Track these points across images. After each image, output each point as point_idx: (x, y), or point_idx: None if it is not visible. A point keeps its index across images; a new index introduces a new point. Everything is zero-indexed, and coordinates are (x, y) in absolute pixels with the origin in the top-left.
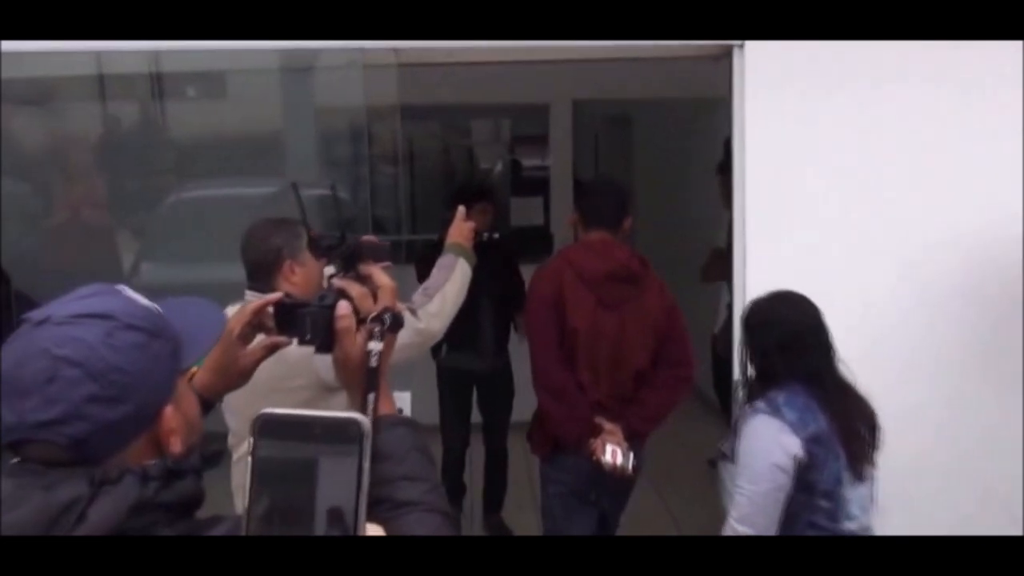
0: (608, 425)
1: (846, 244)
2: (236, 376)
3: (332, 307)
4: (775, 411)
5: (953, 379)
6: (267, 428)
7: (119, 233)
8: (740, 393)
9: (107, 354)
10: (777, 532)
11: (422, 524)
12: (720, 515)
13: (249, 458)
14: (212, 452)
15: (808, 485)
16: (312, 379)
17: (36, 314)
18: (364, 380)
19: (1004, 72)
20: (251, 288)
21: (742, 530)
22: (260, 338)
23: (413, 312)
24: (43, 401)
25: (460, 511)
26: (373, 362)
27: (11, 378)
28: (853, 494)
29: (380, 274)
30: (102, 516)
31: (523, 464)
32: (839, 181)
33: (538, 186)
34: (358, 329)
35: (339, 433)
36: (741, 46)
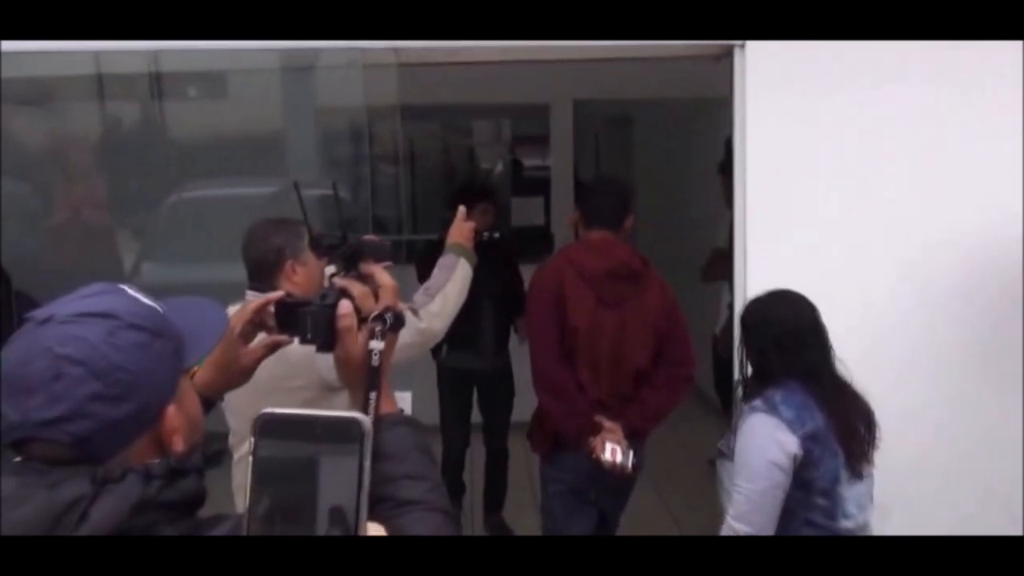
0: (608, 423)
1: (846, 244)
2: (237, 374)
3: (334, 306)
4: (772, 409)
5: (953, 379)
6: (268, 428)
7: (120, 233)
8: (740, 392)
9: (110, 353)
10: (775, 530)
11: (423, 523)
12: (719, 515)
13: (250, 458)
14: (214, 451)
15: (805, 483)
16: (313, 379)
17: (39, 313)
18: (365, 379)
19: (1004, 72)
20: (252, 288)
21: (740, 528)
22: (261, 337)
23: (414, 312)
24: (48, 399)
25: (460, 510)
26: (374, 361)
27: (15, 376)
28: (850, 492)
29: (381, 273)
30: (105, 515)
31: (523, 464)
32: (840, 181)
33: (539, 186)
34: (359, 328)
35: (340, 432)
36: (742, 46)
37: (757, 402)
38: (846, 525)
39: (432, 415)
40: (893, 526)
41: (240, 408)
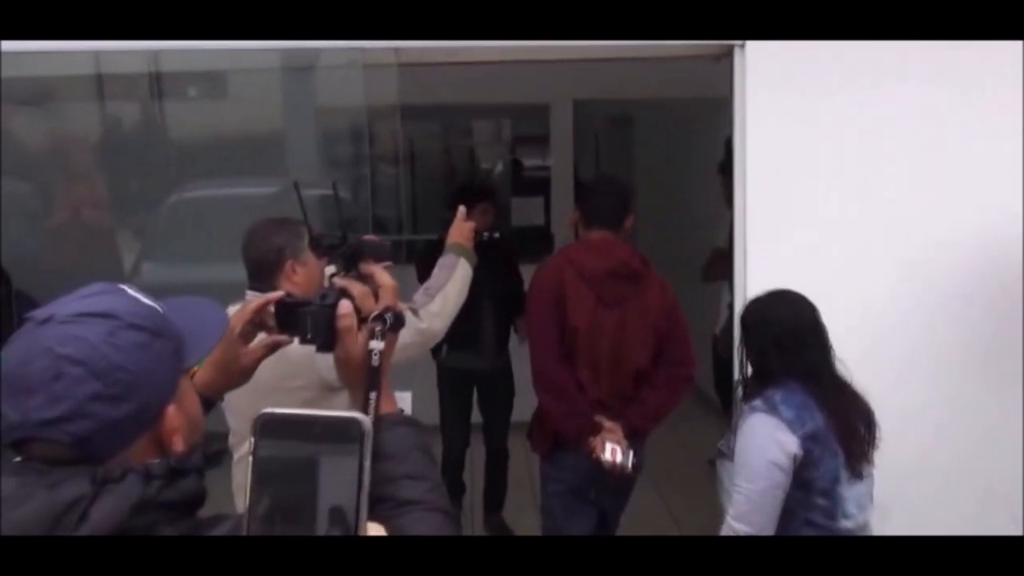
0: (608, 423)
1: (846, 244)
2: (237, 374)
3: (334, 306)
4: (772, 409)
5: (953, 379)
6: (268, 428)
7: (120, 233)
8: (740, 392)
9: (110, 353)
10: (775, 530)
11: (424, 523)
12: (720, 515)
13: (250, 458)
14: (214, 451)
15: (805, 483)
16: (314, 379)
17: (39, 313)
18: (365, 379)
19: (1004, 72)
20: (252, 288)
21: (740, 528)
22: (261, 337)
23: (415, 312)
24: (48, 399)
25: (460, 510)
26: (375, 361)
27: (15, 376)
28: (850, 492)
29: (382, 273)
30: (105, 515)
31: (524, 464)
32: (840, 181)
33: (539, 186)
34: (359, 328)
35: (340, 432)
36: (742, 46)
37: (757, 402)
38: (846, 525)
39: (432, 415)
40: (893, 526)
41: (240, 408)
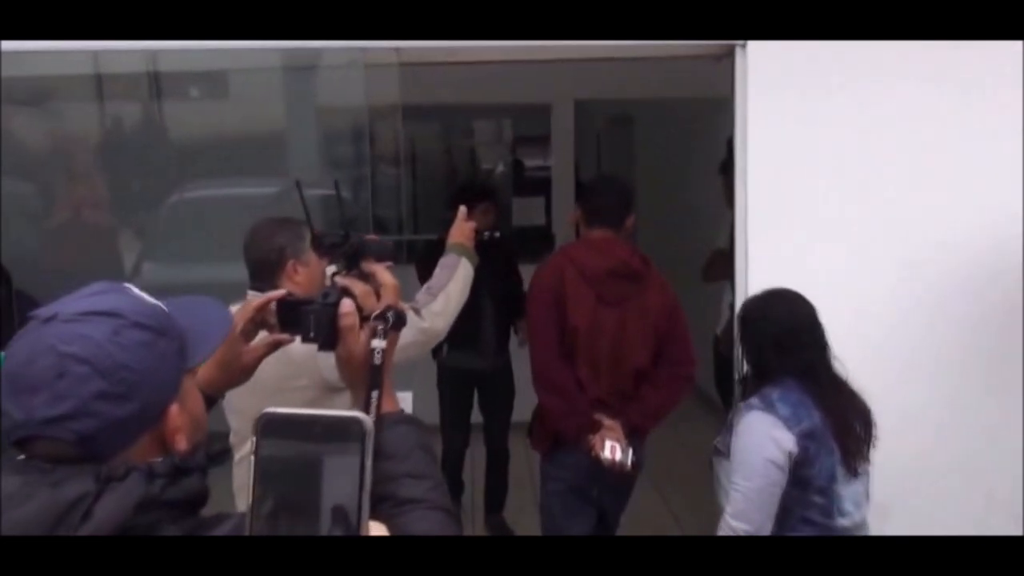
0: (608, 421)
1: (847, 244)
2: (239, 372)
3: (336, 305)
4: (769, 407)
5: (953, 379)
6: (270, 427)
7: (121, 233)
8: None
9: (114, 352)
10: (773, 527)
11: (425, 521)
12: (719, 513)
13: (252, 457)
14: (217, 450)
15: (802, 481)
16: (316, 379)
17: (44, 311)
18: (367, 378)
19: (1004, 72)
20: (253, 288)
21: (738, 526)
22: (263, 335)
23: (417, 311)
24: (52, 397)
25: (459, 509)
26: (376, 360)
27: (19, 375)
28: (847, 490)
29: (383, 272)
30: (108, 513)
31: (524, 464)
32: (840, 181)
33: (540, 186)
34: (361, 327)
35: (341, 432)
36: (743, 46)
37: (754, 400)
38: (843, 523)
39: (432, 415)
40: (893, 526)
41: (242, 408)
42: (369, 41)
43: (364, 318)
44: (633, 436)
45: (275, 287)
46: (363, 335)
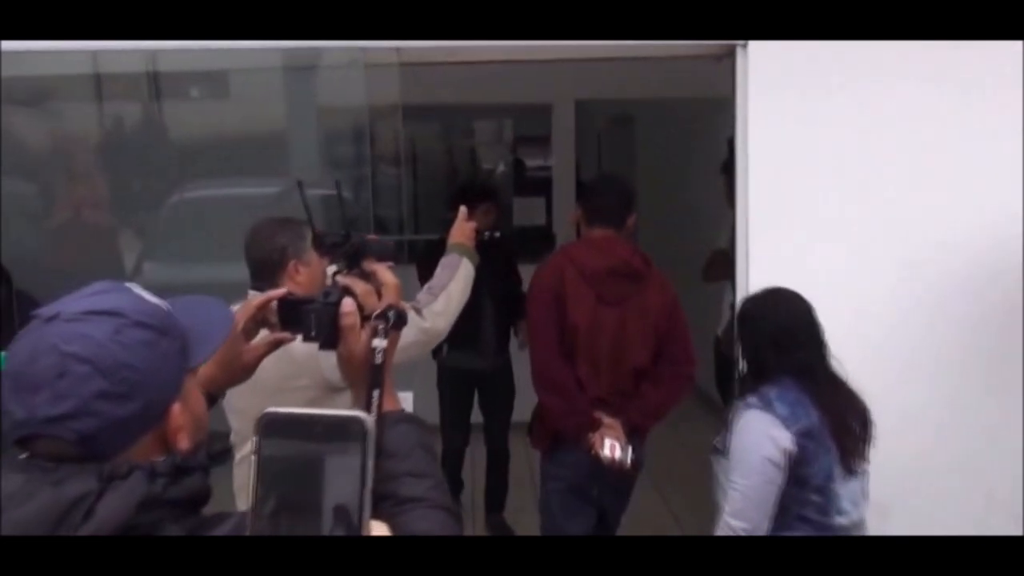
0: (608, 420)
1: (848, 244)
2: (239, 370)
3: (337, 304)
4: (767, 405)
5: (953, 379)
6: (271, 427)
7: (122, 233)
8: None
9: (116, 351)
10: (770, 526)
11: (426, 520)
12: (717, 512)
13: (254, 457)
14: (219, 449)
15: (800, 479)
16: (317, 379)
17: (46, 310)
18: (368, 377)
19: (1004, 72)
20: (255, 288)
21: (736, 524)
22: (264, 334)
23: (418, 311)
24: (53, 396)
25: (459, 507)
26: (377, 359)
27: (21, 374)
28: (844, 489)
29: (384, 271)
30: (110, 512)
31: (524, 464)
32: (841, 181)
33: (541, 186)
34: (362, 326)
35: (342, 431)
36: (744, 46)
37: (752, 399)
38: (840, 522)
39: (432, 415)
40: (893, 526)
41: (243, 408)
42: (369, 41)
43: (365, 317)
44: (633, 435)
45: (276, 287)
46: (364, 334)
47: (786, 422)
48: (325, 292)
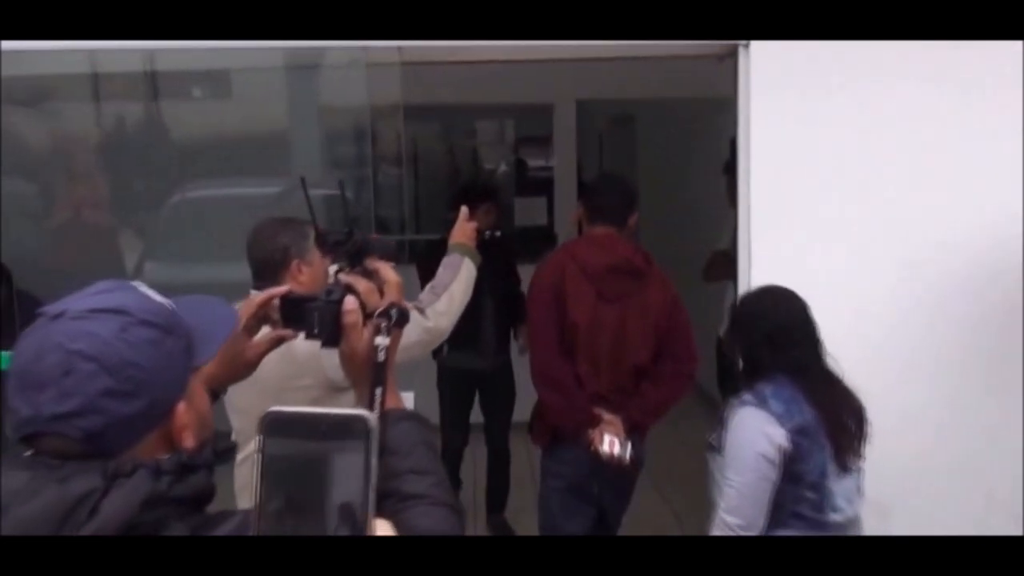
0: (607, 416)
1: (848, 243)
2: (242, 367)
3: (339, 302)
4: (761, 402)
5: (953, 379)
6: (275, 426)
7: (123, 233)
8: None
9: (122, 349)
10: (766, 522)
11: (428, 517)
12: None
13: (258, 456)
14: (224, 448)
15: (794, 476)
16: (319, 379)
17: (52, 308)
18: (371, 375)
19: (1004, 72)
20: (256, 288)
21: (731, 520)
22: (266, 331)
23: (421, 311)
24: (59, 394)
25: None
26: (380, 357)
27: (27, 371)
28: (838, 486)
29: (386, 269)
30: (115, 509)
31: (525, 464)
32: (843, 181)
33: (542, 186)
34: (365, 324)
35: (346, 430)
36: (746, 46)
37: (747, 396)
38: (835, 519)
39: (433, 415)
40: (893, 526)
41: (245, 408)
42: (371, 41)
43: (367, 315)
44: (633, 433)
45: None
46: (366, 332)
47: (780, 419)
48: (327, 290)
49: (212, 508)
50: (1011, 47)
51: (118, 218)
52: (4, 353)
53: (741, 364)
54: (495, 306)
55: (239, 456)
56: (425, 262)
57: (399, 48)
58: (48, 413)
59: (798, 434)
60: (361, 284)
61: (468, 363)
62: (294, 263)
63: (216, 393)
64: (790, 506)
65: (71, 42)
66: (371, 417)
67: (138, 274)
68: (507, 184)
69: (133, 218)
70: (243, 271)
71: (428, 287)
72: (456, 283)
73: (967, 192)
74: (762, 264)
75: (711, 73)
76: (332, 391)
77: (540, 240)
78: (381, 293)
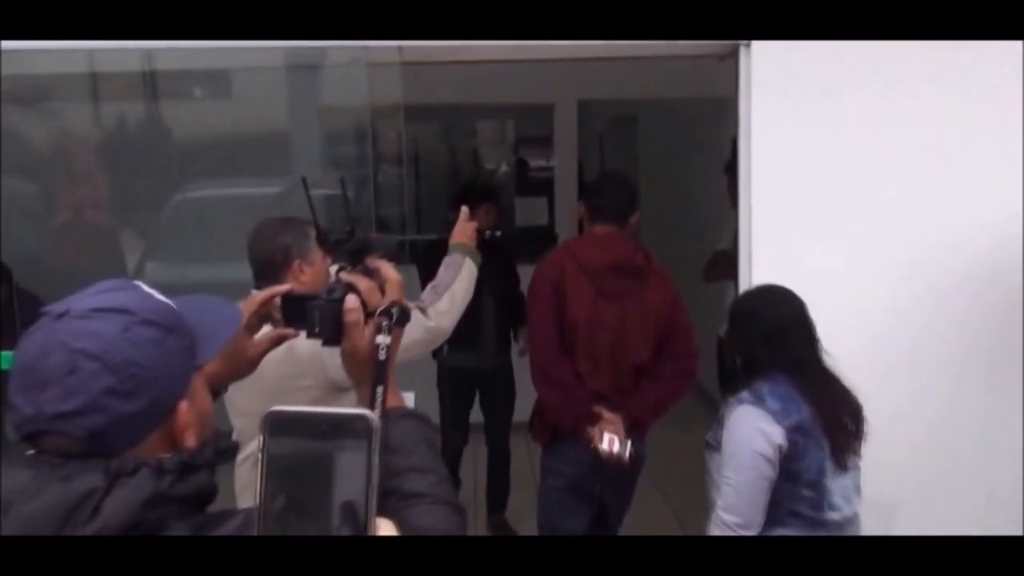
0: (607, 414)
1: (849, 244)
2: (243, 365)
3: (340, 300)
4: (758, 400)
5: (954, 379)
6: (277, 425)
7: (124, 233)
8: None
9: (124, 348)
10: (763, 520)
11: (430, 516)
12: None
13: (260, 455)
14: (225, 447)
15: (791, 474)
16: (321, 379)
17: (56, 307)
18: (372, 373)
19: (1004, 72)
20: (258, 288)
21: (728, 519)
22: (267, 329)
23: (423, 310)
24: (62, 393)
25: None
26: (381, 355)
27: (31, 370)
28: (836, 484)
29: (388, 268)
30: (117, 508)
31: (526, 464)
32: (843, 181)
33: (543, 186)
34: (366, 323)
35: (348, 429)
36: (747, 46)
37: (744, 394)
38: (832, 517)
39: (434, 415)
40: (893, 526)
41: (248, 408)
42: (371, 40)
43: (369, 314)
44: (634, 431)
45: None
46: (368, 331)
47: (777, 417)
48: (329, 288)
49: (213, 508)
50: (1011, 47)
51: (119, 218)
52: (5, 353)
53: (738, 362)
54: (495, 306)
55: (240, 456)
56: (426, 262)
57: (399, 48)
58: (51, 412)
59: (795, 432)
60: (362, 283)
61: (468, 363)
62: (296, 263)
63: (216, 391)
64: (788, 504)
65: (72, 42)
66: (373, 416)
67: (139, 274)
68: (508, 184)
69: (134, 218)
70: (244, 271)
71: (429, 287)
72: (457, 283)
73: (967, 192)
74: (762, 264)
75: (712, 73)
76: (333, 392)
77: (541, 240)
78: (382, 292)
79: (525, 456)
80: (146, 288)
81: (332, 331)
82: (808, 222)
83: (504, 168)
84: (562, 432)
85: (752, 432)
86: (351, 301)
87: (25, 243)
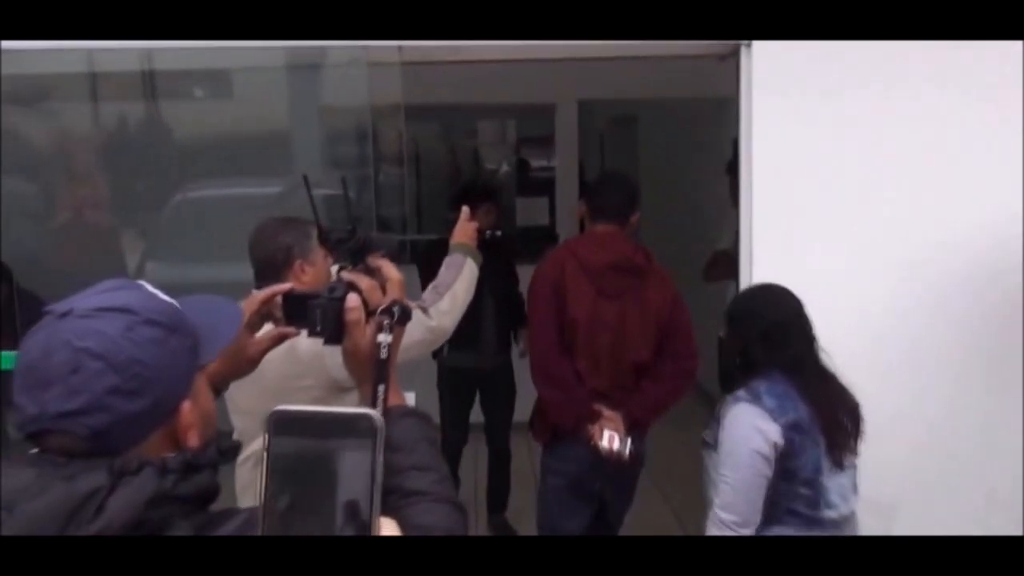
0: (607, 412)
1: (849, 244)
2: (244, 363)
3: (341, 299)
4: (755, 399)
5: (954, 379)
6: (281, 425)
7: (125, 233)
8: None
9: (128, 347)
10: (761, 518)
11: (431, 514)
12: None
13: (264, 454)
14: (228, 446)
15: (788, 472)
16: (322, 379)
17: (59, 306)
18: (373, 372)
19: (1004, 72)
20: (259, 288)
21: (726, 517)
22: (268, 328)
23: (424, 310)
24: (66, 392)
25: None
26: (383, 354)
27: (34, 369)
28: (832, 482)
29: (389, 267)
30: (121, 507)
31: (527, 464)
32: (843, 181)
33: (543, 186)
34: (367, 321)
35: (351, 428)
36: (748, 45)
37: (741, 392)
38: (829, 515)
39: (433, 415)
40: (893, 526)
41: (250, 408)
42: (372, 40)
43: (370, 312)
44: (634, 429)
45: None
46: (369, 329)
47: (774, 415)
48: (330, 287)
49: (215, 507)
50: (1011, 47)
51: (119, 218)
52: (6, 353)
53: (736, 361)
54: (496, 306)
55: (241, 456)
56: (426, 262)
57: (400, 48)
58: (54, 411)
59: (791, 430)
60: (364, 281)
61: (468, 363)
62: (297, 263)
63: (217, 390)
64: (785, 503)
65: (72, 42)
66: (377, 416)
67: (140, 274)
68: (509, 184)
69: (134, 218)
70: (245, 271)
71: (431, 286)
72: (459, 282)
73: (967, 192)
74: (763, 264)
75: (713, 73)
76: (335, 391)
77: (542, 240)
78: (383, 291)
79: (525, 456)
80: (149, 288)
81: (333, 330)
82: (808, 222)
83: (505, 168)
84: (562, 431)
85: (749, 430)
86: (352, 300)
87: (25, 243)
